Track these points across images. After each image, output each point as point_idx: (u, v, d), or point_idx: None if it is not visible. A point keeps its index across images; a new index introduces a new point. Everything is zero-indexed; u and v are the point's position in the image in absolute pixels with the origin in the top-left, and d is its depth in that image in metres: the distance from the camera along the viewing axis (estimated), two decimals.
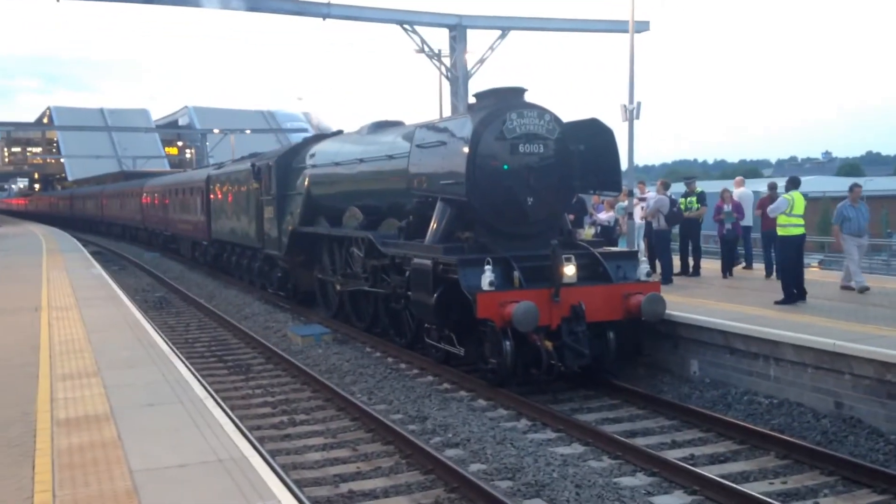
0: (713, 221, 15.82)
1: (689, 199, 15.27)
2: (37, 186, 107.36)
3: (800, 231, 11.76)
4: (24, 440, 6.16)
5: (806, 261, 12.97)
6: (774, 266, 14.60)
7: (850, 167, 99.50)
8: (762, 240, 15.46)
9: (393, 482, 7.19)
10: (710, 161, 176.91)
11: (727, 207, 15.01)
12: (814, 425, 8.43)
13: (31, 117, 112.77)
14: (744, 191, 16.29)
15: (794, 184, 12.17)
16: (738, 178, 17.31)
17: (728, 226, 14.92)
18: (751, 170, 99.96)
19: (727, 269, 14.91)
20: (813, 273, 15.19)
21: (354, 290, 14.08)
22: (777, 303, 11.36)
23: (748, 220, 16.14)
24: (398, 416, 9.23)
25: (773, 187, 15.11)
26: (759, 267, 15.86)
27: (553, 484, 6.97)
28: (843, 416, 8.47)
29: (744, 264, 16.23)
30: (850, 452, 7.65)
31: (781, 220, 11.76)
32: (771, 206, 12.14)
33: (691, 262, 15.31)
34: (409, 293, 11.08)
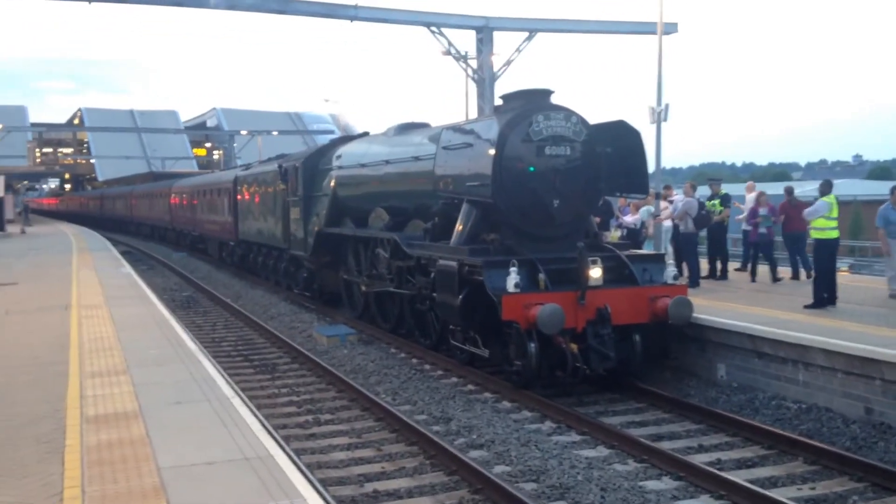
0: (748, 224, 15.60)
1: (712, 201, 15.15)
2: (67, 186, 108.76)
3: (836, 234, 11.66)
4: (54, 437, 6.24)
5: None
6: (799, 268, 14.45)
7: (881, 170, 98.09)
8: (787, 242, 15.27)
9: (417, 483, 7.20)
10: (739, 164, 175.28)
11: (763, 211, 14.79)
12: (843, 431, 8.33)
13: (62, 118, 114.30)
14: (755, 196, 16.15)
15: (829, 187, 12.05)
16: (749, 183, 17.16)
17: (763, 230, 14.69)
18: (780, 173, 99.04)
19: (773, 273, 14.58)
20: (842, 277, 14.99)
21: (380, 291, 14.12)
22: (807, 307, 11.24)
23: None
24: (422, 417, 9.24)
25: (790, 192, 14.98)
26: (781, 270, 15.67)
27: (578, 487, 6.94)
28: (874, 421, 8.36)
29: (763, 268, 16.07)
30: (880, 458, 7.55)
31: (820, 223, 11.63)
32: (809, 210, 11.94)
33: (719, 265, 15.18)
34: (435, 294, 11.09)
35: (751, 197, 15.89)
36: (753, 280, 14.69)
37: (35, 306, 13.33)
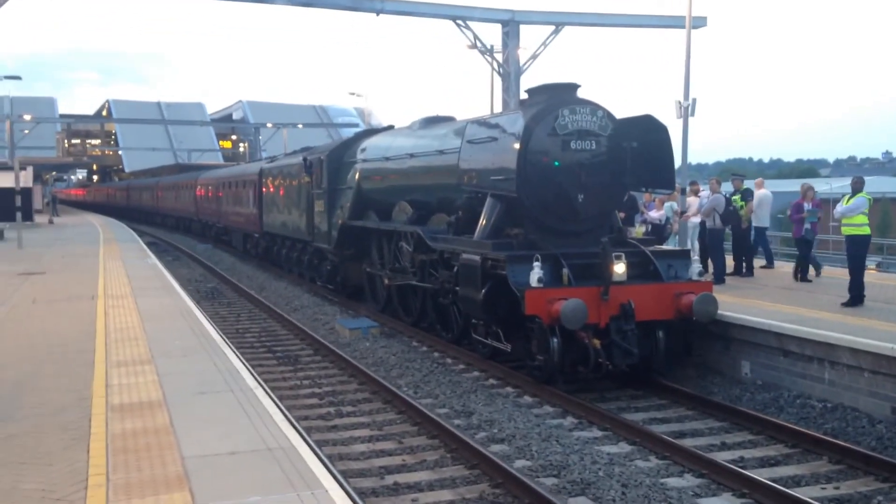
0: (789, 220, 15.33)
1: (733, 197, 15.01)
2: (95, 177, 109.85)
3: (869, 231, 11.55)
4: (79, 424, 6.32)
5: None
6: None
7: None
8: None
9: (438, 476, 7.22)
10: (766, 160, 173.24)
11: (808, 205, 14.54)
12: (869, 430, 8.24)
13: (90, 110, 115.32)
14: (764, 192, 15.94)
15: (861, 184, 11.91)
16: (759, 180, 16.92)
17: (807, 225, 14.41)
18: (808, 169, 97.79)
19: (804, 271, 14.36)
20: (870, 275, 14.79)
21: (402, 285, 14.14)
22: (844, 304, 11.12)
23: (765, 221, 15.97)
24: (444, 411, 9.25)
25: (809, 189, 14.85)
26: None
27: (599, 482, 6.92)
28: None
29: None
30: None
31: (859, 219, 11.48)
32: (849, 207, 11.75)
33: (744, 262, 15.04)
34: (457, 288, 11.10)
35: (759, 193, 15.71)
36: (797, 279, 14.38)
37: (62, 296, 13.49)
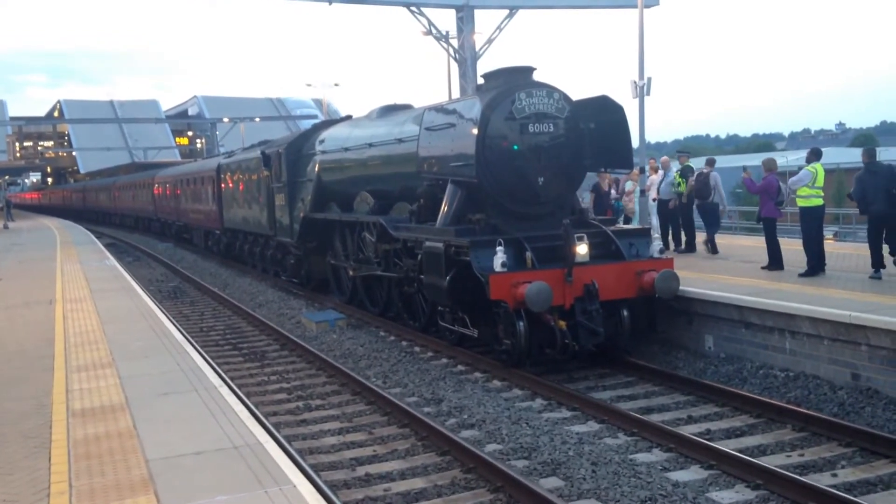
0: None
1: (674, 174, 15.10)
2: (49, 180, 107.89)
3: (820, 202, 11.71)
4: (40, 432, 6.20)
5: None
6: None
7: (865, 138, 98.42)
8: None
9: (409, 464, 7.20)
10: (723, 136, 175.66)
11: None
12: (830, 397, 8.39)
13: (41, 111, 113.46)
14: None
15: (816, 155, 12.06)
16: (664, 158, 16.99)
17: None
18: (764, 143, 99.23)
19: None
20: (827, 245, 15.02)
21: (367, 275, 14.08)
22: (801, 275, 11.29)
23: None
24: (413, 399, 9.24)
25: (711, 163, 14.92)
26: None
27: (569, 462, 6.96)
28: (860, 387, 8.42)
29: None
30: (867, 423, 7.62)
31: (804, 191, 11.65)
32: (793, 178, 11.96)
33: (684, 238, 15.13)
34: (422, 276, 11.07)
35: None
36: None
37: (20, 301, 13.23)
